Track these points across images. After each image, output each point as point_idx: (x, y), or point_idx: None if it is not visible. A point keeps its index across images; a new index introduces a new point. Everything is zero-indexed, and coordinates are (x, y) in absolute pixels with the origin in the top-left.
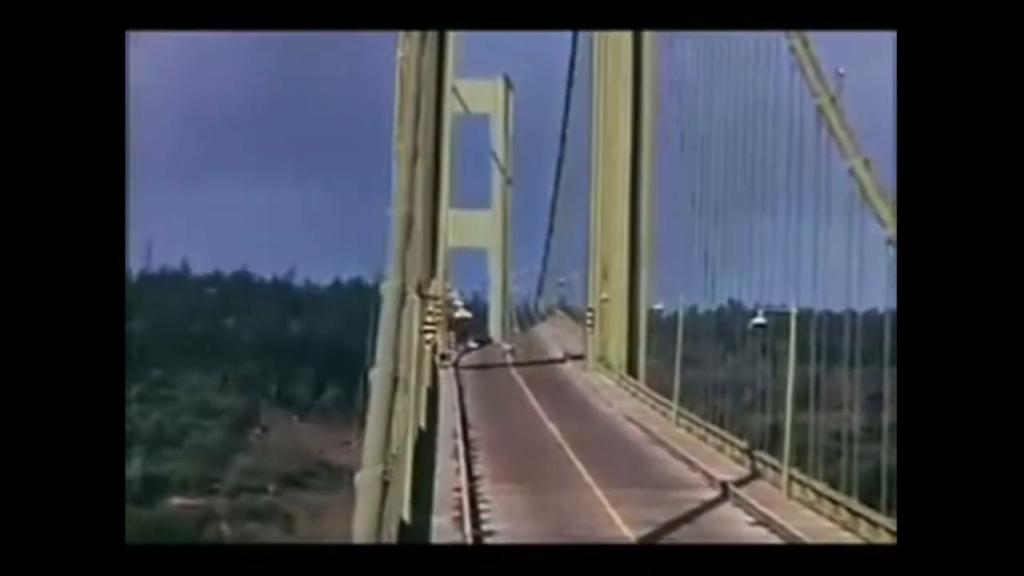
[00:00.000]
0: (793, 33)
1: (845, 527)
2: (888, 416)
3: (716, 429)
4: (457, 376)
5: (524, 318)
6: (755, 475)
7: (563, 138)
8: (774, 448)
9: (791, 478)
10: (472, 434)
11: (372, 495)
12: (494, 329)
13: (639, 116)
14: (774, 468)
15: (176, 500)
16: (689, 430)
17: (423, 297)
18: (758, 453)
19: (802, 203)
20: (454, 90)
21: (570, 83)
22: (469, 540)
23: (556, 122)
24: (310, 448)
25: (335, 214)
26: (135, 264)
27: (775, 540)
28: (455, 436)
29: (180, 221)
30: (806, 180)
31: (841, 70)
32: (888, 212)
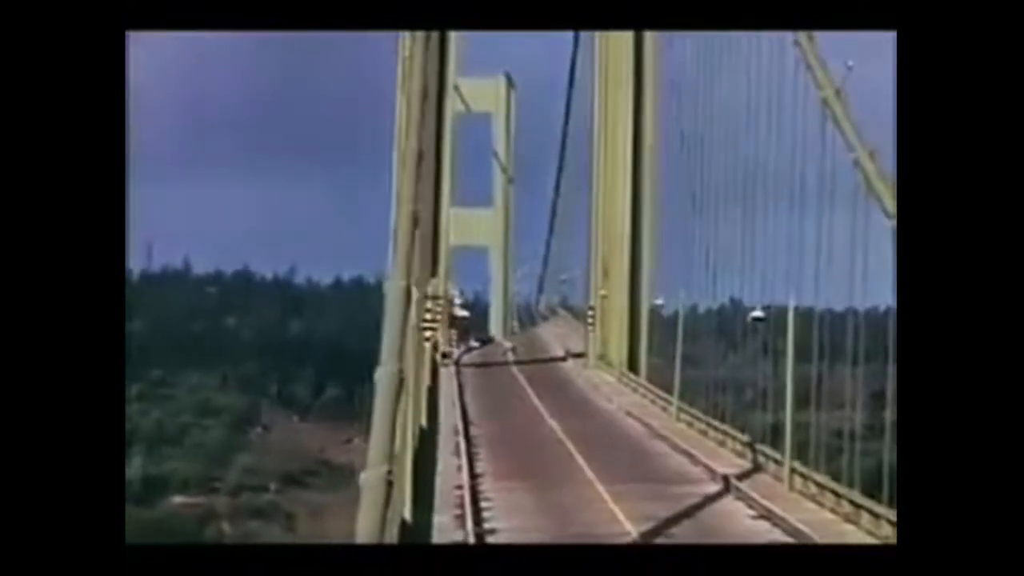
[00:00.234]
0: None
1: (847, 519)
2: (890, 414)
3: (717, 423)
4: (458, 374)
5: (525, 317)
6: (757, 468)
7: (564, 137)
8: (775, 444)
9: (793, 471)
10: (473, 431)
11: (377, 495)
12: (495, 327)
13: (640, 112)
14: (775, 462)
15: (177, 499)
16: (690, 425)
17: (425, 297)
18: (759, 446)
19: (805, 197)
20: (456, 89)
21: (571, 82)
22: (471, 538)
23: (558, 120)
24: (311, 447)
25: (336, 213)
26: (135, 264)
27: (777, 534)
28: (456, 433)
29: (180, 221)
30: (810, 174)
31: (850, 63)
32: (893, 202)
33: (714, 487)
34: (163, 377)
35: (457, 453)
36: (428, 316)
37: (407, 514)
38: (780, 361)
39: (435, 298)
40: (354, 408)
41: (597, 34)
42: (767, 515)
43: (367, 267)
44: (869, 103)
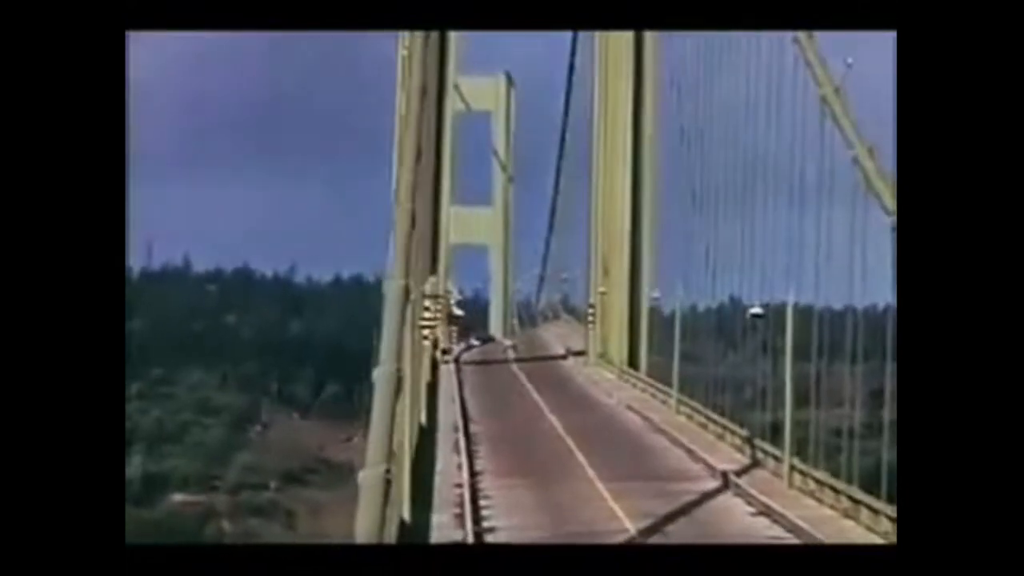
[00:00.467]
0: None
1: (846, 515)
2: (889, 412)
3: (716, 417)
4: (458, 371)
5: (525, 315)
6: (756, 464)
7: (563, 135)
8: (775, 442)
9: (792, 467)
10: (473, 428)
11: (375, 494)
12: (495, 326)
13: (640, 110)
14: (775, 458)
15: (177, 497)
16: (690, 418)
17: (424, 296)
18: (758, 442)
19: (805, 194)
20: (456, 87)
21: (570, 80)
22: (470, 537)
23: (558, 119)
24: (310, 445)
25: (336, 212)
26: (135, 262)
27: (777, 530)
28: (456, 431)
29: (180, 219)
30: (809, 171)
31: (850, 60)
32: (892, 199)
33: (713, 483)
34: (163, 376)
35: (457, 450)
36: (428, 314)
37: (406, 513)
38: (779, 359)
39: (435, 297)
40: (354, 406)
41: (597, 32)
42: (766, 511)
43: (367, 265)
44: (868, 101)
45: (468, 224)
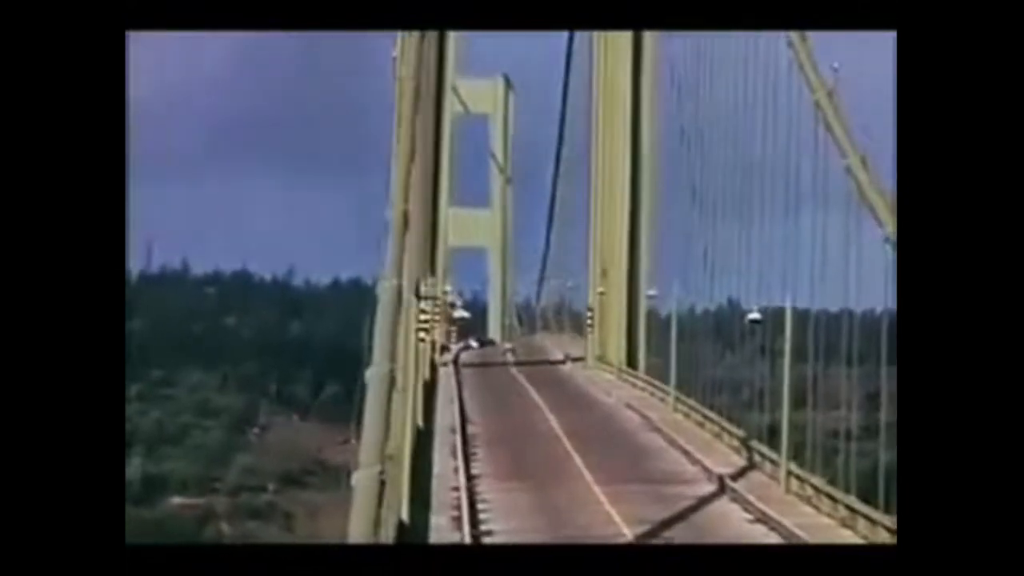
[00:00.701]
0: None
1: (844, 524)
2: (885, 415)
3: (713, 416)
4: (456, 373)
5: (524, 317)
6: (753, 467)
7: (561, 137)
8: (772, 445)
9: (789, 473)
10: (472, 429)
11: (369, 495)
12: (493, 328)
13: (639, 111)
14: (772, 462)
15: (176, 499)
16: (687, 416)
17: (420, 298)
18: (756, 445)
19: (800, 200)
20: (454, 89)
21: (567, 81)
22: (467, 540)
23: (556, 121)
24: (309, 447)
25: (335, 214)
26: (135, 264)
27: (773, 538)
28: (454, 432)
29: (180, 221)
30: (803, 178)
31: (836, 65)
32: (885, 210)
33: (710, 487)
34: (163, 377)
35: (454, 453)
36: (425, 316)
37: (404, 516)
38: (777, 362)
39: (433, 299)
40: (353, 408)
41: (596, 33)
42: (763, 519)
43: (365, 267)
44: (866, 103)
45: (466, 226)
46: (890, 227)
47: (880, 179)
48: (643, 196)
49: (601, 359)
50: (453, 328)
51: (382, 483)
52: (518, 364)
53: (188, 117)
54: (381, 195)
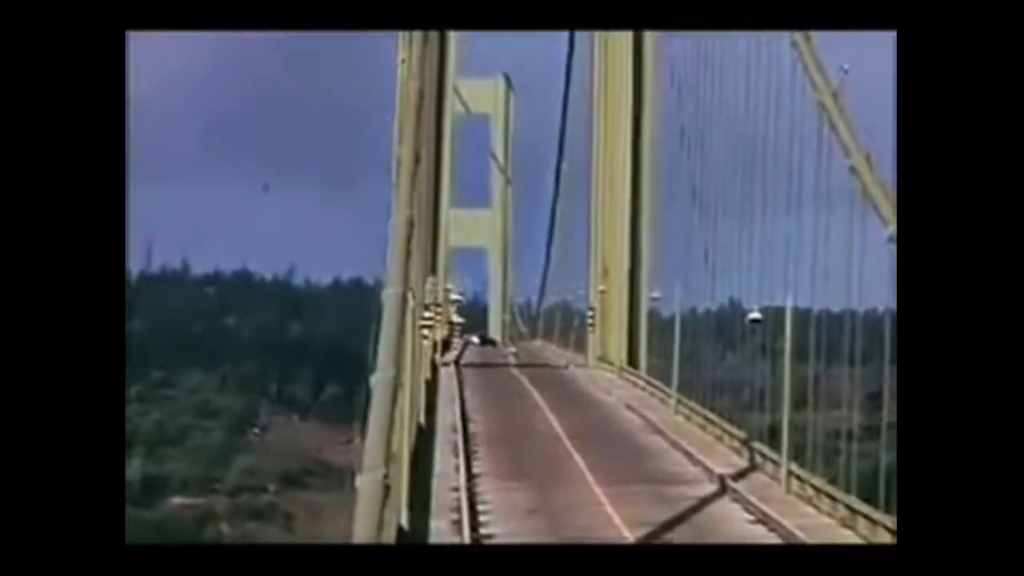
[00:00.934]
0: None
1: (844, 524)
2: (887, 415)
3: (714, 417)
4: (458, 373)
5: (525, 317)
6: (754, 468)
7: (562, 137)
8: (773, 445)
9: (790, 473)
10: (473, 428)
11: (373, 499)
12: (493, 328)
13: (640, 111)
14: (773, 462)
15: (176, 500)
16: (688, 418)
17: (426, 307)
18: (756, 445)
19: (802, 200)
20: (455, 90)
21: (567, 81)
22: (467, 542)
23: (557, 121)
24: (309, 447)
25: (335, 214)
26: (135, 264)
27: (774, 538)
28: (455, 431)
29: (180, 221)
30: (807, 177)
31: (846, 66)
32: (890, 209)
33: (711, 488)
34: (163, 378)
35: (455, 453)
36: (427, 314)
37: (404, 519)
38: (778, 362)
39: (435, 305)
40: (353, 408)
41: (596, 33)
42: (764, 519)
43: (366, 267)
44: (868, 104)
45: (467, 227)
46: (894, 226)
47: (885, 178)
48: (644, 195)
49: (602, 359)
50: (455, 328)
51: (386, 487)
52: (520, 366)
53: (188, 117)
54: (381, 195)
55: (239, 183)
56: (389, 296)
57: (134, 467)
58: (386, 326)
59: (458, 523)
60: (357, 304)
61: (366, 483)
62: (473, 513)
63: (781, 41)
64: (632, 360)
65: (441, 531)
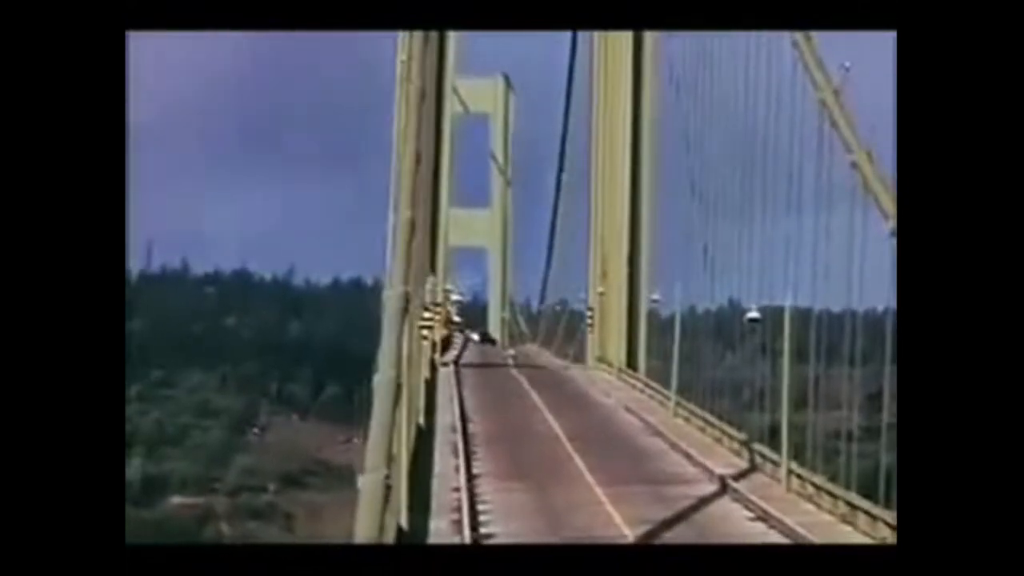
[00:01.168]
0: None
1: (844, 520)
2: (887, 416)
3: (714, 420)
4: (457, 372)
5: (525, 316)
6: (754, 468)
7: (564, 136)
8: (773, 445)
9: (790, 472)
10: (472, 429)
11: (374, 499)
12: (494, 328)
13: (639, 112)
14: (772, 462)
15: (176, 499)
16: (687, 420)
17: (426, 308)
18: (756, 446)
19: (803, 198)
20: (454, 89)
21: (570, 81)
22: (468, 542)
23: (557, 121)
24: (309, 447)
25: (335, 214)
26: (135, 264)
27: (774, 535)
28: (454, 432)
29: (180, 221)
30: (807, 176)
31: (847, 64)
32: (891, 204)
33: (711, 488)
34: (163, 378)
35: (455, 453)
36: (427, 315)
37: (403, 519)
38: (778, 362)
39: (435, 305)
40: (353, 408)
41: (596, 33)
42: (764, 517)
43: (366, 267)
44: (868, 103)
45: (466, 226)
46: (895, 221)
47: (885, 173)
48: (643, 195)
49: (601, 360)
50: (455, 327)
51: (387, 487)
52: (518, 367)
53: (189, 117)
54: (382, 194)
55: (239, 184)
56: (389, 298)
57: (134, 467)
58: (387, 326)
59: (458, 523)
60: (357, 304)
61: (368, 484)
62: (473, 513)
63: (781, 40)
64: (631, 361)
65: (441, 531)
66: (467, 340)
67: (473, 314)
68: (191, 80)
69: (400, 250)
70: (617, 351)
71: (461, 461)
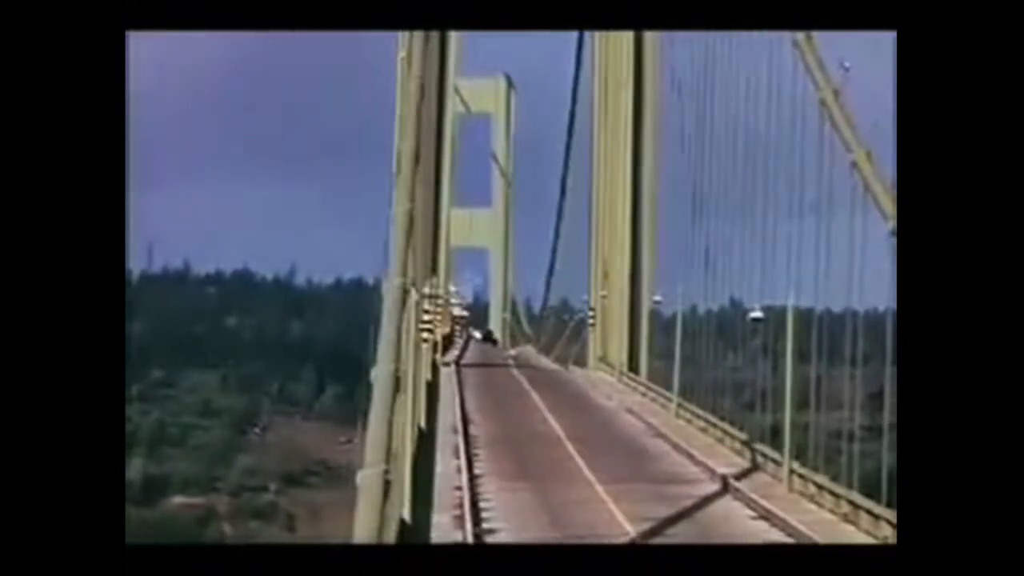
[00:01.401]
0: None
1: (846, 519)
2: (889, 415)
3: (716, 420)
4: (458, 373)
5: (525, 316)
6: (755, 468)
7: (568, 141)
8: (775, 445)
9: (791, 471)
10: (473, 430)
11: (374, 494)
12: (494, 328)
13: (640, 113)
14: (774, 462)
15: (178, 499)
16: (689, 422)
17: (424, 297)
18: (758, 446)
19: (804, 200)
20: (455, 89)
21: (576, 82)
22: (470, 540)
23: (558, 121)
24: (311, 447)
25: (336, 214)
26: (136, 264)
27: (776, 534)
28: (456, 432)
29: (180, 221)
30: (808, 176)
31: (847, 64)
32: (891, 204)
33: (713, 487)
34: (164, 377)
35: (456, 453)
36: (427, 315)
37: (406, 515)
38: (779, 362)
39: (434, 297)
40: (354, 408)
41: (597, 34)
42: (766, 516)
43: (367, 267)
44: (869, 104)
45: (468, 226)
46: (895, 221)
47: (885, 173)
48: (645, 195)
49: (602, 360)
50: (457, 327)
51: (387, 482)
52: (519, 367)
53: (189, 116)
54: (382, 194)
55: (240, 185)
56: (389, 288)
57: (135, 467)
58: (386, 320)
59: (460, 518)
60: (358, 304)
61: (367, 478)
62: (475, 509)
63: (782, 40)
64: (633, 361)
65: (443, 525)
66: (469, 339)
67: (474, 315)
68: (191, 80)
69: (399, 242)
70: (619, 352)
71: (463, 462)
